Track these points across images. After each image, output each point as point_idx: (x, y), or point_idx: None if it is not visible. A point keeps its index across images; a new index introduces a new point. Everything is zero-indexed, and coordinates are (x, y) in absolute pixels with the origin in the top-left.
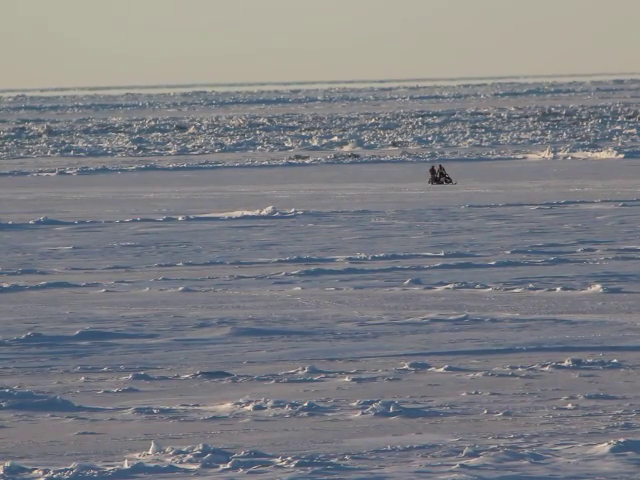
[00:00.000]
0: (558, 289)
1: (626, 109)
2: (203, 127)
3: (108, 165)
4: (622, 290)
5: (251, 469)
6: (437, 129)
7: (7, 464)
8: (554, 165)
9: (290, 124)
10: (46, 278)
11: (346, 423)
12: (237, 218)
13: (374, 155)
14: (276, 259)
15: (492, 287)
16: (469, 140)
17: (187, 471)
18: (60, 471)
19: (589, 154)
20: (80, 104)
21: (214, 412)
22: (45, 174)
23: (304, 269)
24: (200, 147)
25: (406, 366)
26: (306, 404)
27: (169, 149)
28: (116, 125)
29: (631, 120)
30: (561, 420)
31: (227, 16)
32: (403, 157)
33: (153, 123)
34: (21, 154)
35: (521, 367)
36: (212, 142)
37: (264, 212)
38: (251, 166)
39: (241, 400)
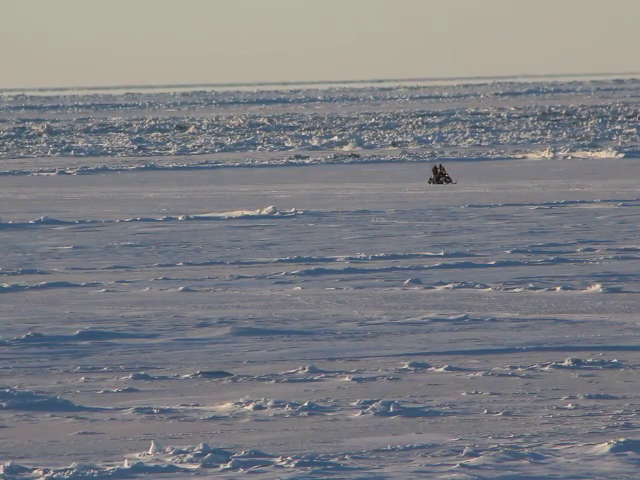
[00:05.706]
0: (558, 289)
1: (626, 109)
2: (203, 127)
3: (108, 165)
4: (622, 290)
5: (251, 469)
6: (437, 129)
7: (7, 464)
8: (554, 165)
9: (290, 124)
10: (46, 278)
11: (346, 423)
12: (237, 218)
13: (374, 155)
14: (276, 259)
15: (492, 287)
16: (469, 140)
17: (187, 471)
18: (60, 471)
19: (589, 154)
20: (80, 104)
21: (214, 412)
22: (45, 174)
23: (304, 269)
24: (200, 147)
25: (406, 366)
26: (306, 404)
27: (169, 149)
28: (116, 125)
29: (631, 120)
30: (561, 420)
31: (227, 16)
32: (403, 157)
33: (153, 123)
34: (21, 154)
35: (521, 367)
36: (212, 142)
37: (264, 212)
38: (251, 166)
39: (241, 400)
